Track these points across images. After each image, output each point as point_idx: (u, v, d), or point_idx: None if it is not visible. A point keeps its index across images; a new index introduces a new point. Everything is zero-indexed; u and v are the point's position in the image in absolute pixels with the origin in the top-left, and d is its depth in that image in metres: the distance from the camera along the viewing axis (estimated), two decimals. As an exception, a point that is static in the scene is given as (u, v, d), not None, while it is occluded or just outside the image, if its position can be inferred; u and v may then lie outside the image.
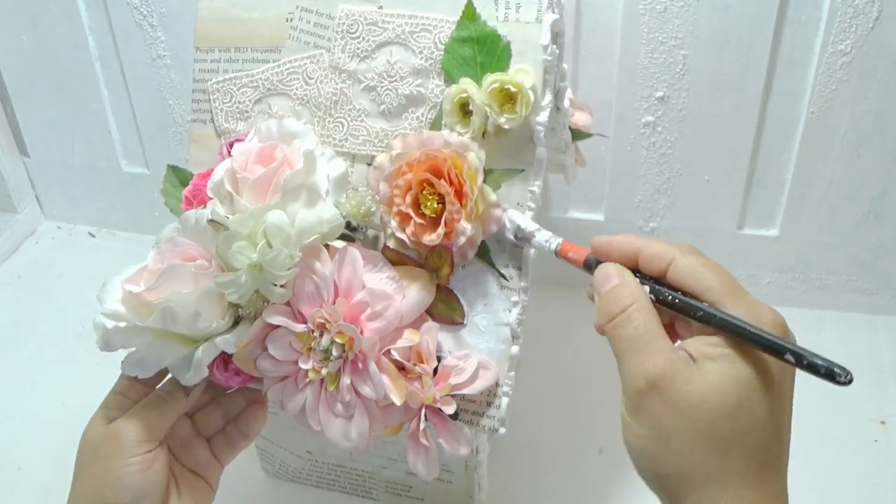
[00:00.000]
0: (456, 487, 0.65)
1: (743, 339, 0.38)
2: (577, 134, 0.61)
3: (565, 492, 0.71)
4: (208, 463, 0.54)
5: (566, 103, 0.56)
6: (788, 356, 0.37)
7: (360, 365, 0.48)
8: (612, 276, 0.42)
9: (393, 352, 0.49)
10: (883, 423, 0.75)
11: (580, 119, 0.64)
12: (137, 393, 0.52)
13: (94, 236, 1.06)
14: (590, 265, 0.45)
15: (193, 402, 0.52)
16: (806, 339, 0.89)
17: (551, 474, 0.73)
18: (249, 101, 0.57)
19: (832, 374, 0.36)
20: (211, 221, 0.49)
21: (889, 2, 0.69)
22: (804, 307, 0.87)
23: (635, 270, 0.43)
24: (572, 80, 0.78)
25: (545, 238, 0.49)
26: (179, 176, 0.58)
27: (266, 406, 0.55)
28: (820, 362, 0.36)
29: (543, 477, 0.73)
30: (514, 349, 0.51)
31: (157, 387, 0.52)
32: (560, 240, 0.48)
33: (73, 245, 1.05)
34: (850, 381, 0.36)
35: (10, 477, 0.75)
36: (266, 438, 0.69)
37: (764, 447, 0.38)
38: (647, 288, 0.41)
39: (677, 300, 0.40)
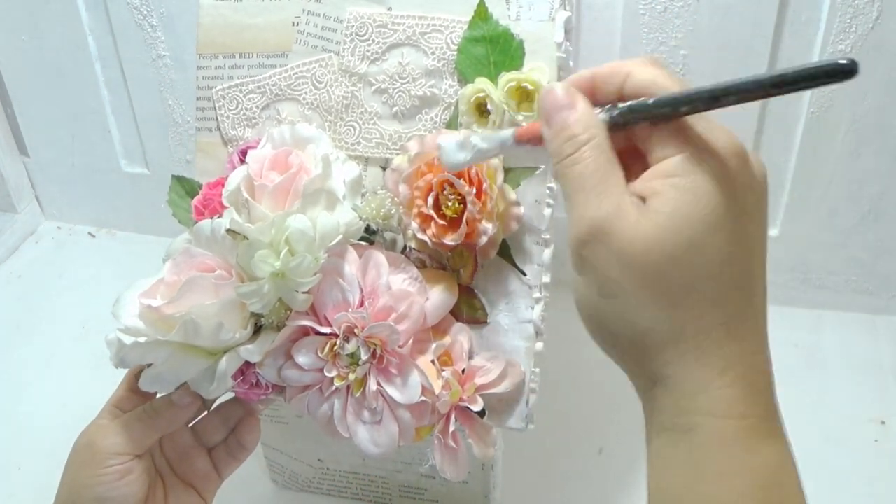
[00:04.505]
0: (472, 487, 0.65)
1: (719, 103, 0.33)
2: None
3: (565, 492, 0.71)
4: (207, 475, 0.53)
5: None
6: (779, 86, 0.31)
7: (393, 370, 0.48)
8: (563, 102, 0.35)
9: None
10: (883, 423, 0.75)
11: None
12: (133, 406, 0.51)
13: (94, 236, 1.06)
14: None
15: (182, 422, 0.52)
16: (806, 339, 0.89)
17: (551, 474, 0.73)
18: (257, 107, 0.57)
19: (836, 69, 0.29)
20: (229, 231, 0.49)
21: (889, 2, 0.69)
22: (804, 307, 0.87)
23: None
24: (572, 80, 0.79)
25: (501, 137, 0.40)
26: (186, 186, 0.58)
27: (258, 417, 0.55)
28: (819, 65, 0.29)
29: (542, 477, 0.73)
30: (539, 345, 0.52)
31: (149, 402, 0.51)
32: (510, 130, 0.40)
33: (73, 245, 1.04)
34: (855, 67, 0.28)
35: (10, 477, 0.75)
36: (275, 448, 0.68)
37: (729, 295, 0.32)
38: (602, 116, 0.35)
39: (633, 106, 0.34)
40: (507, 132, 0.40)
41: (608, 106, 0.35)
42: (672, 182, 0.32)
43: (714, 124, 0.34)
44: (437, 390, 0.48)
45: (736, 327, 0.32)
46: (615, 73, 0.36)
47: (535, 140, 0.39)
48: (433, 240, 0.50)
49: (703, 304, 0.32)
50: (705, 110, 0.33)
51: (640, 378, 0.35)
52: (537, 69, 0.50)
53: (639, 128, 0.35)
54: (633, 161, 0.35)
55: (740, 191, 0.33)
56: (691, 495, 0.33)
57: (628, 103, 0.34)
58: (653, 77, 0.35)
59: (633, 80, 0.35)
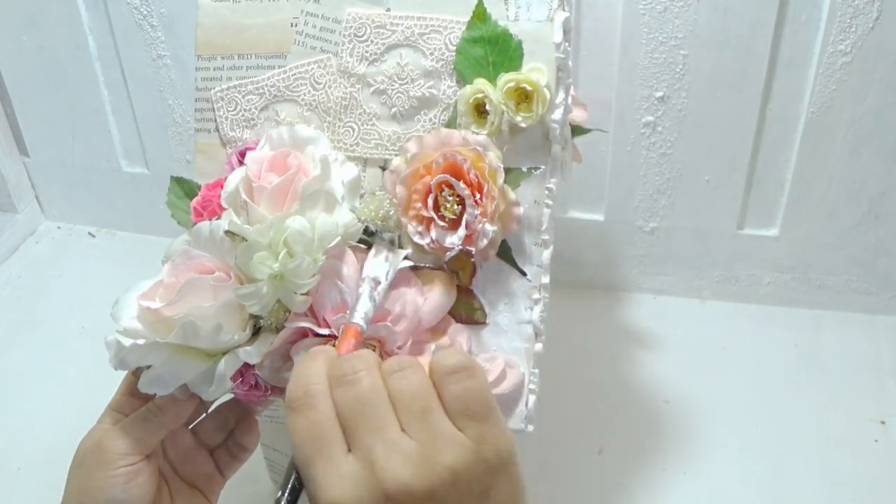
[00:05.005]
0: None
1: None
2: (577, 129, 0.61)
3: (565, 492, 0.71)
4: (211, 476, 0.53)
5: (569, 100, 0.57)
6: None
7: None
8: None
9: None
10: (883, 423, 0.75)
11: (577, 115, 0.64)
12: (132, 409, 0.51)
13: (94, 236, 1.06)
14: None
15: (186, 417, 0.52)
16: (806, 338, 0.89)
17: (551, 474, 0.73)
18: (255, 108, 0.56)
19: None
20: (228, 232, 0.49)
21: (889, 2, 0.68)
22: (804, 307, 0.87)
23: None
24: (572, 79, 0.79)
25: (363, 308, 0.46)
26: (185, 187, 0.57)
27: (256, 418, 0.55)
28: None
29: (543, 477, 0.73)
30: (538, 346, 0.51)
31: (152, 401, 0.51)
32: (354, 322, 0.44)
33: (73, 245, 1.05)
34: None
35: (10, 477, 0.75)
36: (275, 449, 0.68)
37: None
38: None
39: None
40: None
41: None
42: None
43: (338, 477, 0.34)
44: None
45: None
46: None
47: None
48: (432, 246, 0.50)
49: None
50: None
51: None
52: (536, 70, 0.50)
53: None
54: None
55: None
56: None
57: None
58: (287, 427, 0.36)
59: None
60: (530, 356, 0.52)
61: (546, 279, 0.52)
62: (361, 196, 0.53)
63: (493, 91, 0.50)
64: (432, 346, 0.50)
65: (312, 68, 0.55)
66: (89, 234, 1.06)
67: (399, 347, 0.48)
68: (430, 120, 0.53)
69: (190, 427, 0.54)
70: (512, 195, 0.51)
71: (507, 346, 0.52)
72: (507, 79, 0.50)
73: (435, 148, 0.50)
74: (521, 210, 0.51)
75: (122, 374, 0.53)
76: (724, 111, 0.77)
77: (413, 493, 0.33)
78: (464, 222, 0.48)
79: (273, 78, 0.56)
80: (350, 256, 0.50)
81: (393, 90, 0.54)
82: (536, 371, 0.52)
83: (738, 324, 0.86)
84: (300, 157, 0.52)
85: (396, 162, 0.52)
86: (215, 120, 0.58)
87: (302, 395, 0.36)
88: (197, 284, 0.48)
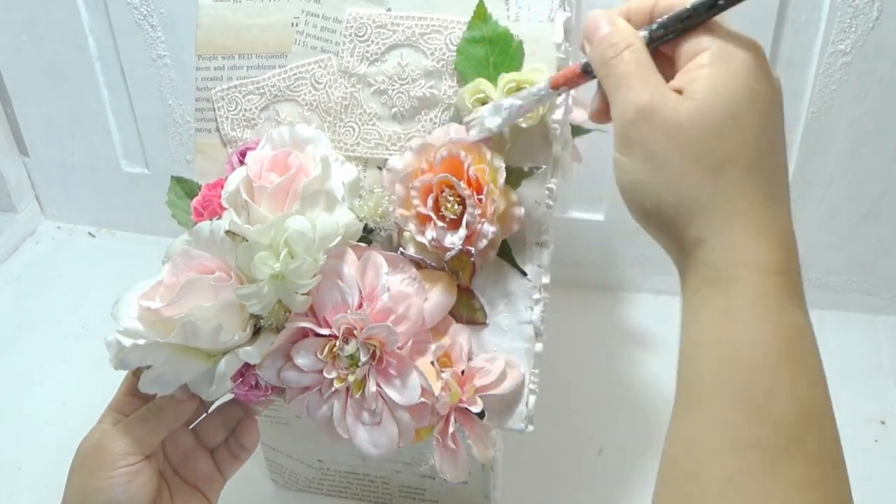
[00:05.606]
0: (472, 487, 0.65)
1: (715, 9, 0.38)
2: (578, 130, 0.61)
3: (565, 492, 0.71)
4: (210, 476, 0.53)
5: (569, 100, 0.57)
6: None
7: (392, 371, 0.48)
8: (602, 23, 0.40)
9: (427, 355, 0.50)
10: (883, 423, 0.75)
11: (577, 115, 0.64)
12: (133, 409, 0.52)
13: (94, 236, 1.06)
14: (588, 70, 0.43)
15: (186, 417, 0.52)
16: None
17: (551, 474, 0.73)
18: (256, 108, 0.56)
19: None
20: (228, 232, 0.49)
21: (889, 2, 0.69)
22: (804, 307, 0.87)
23: None
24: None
25: (536, 90, 0.47)
26: (185, 187, 0.57)
27: (255, 419, 0.55)
28: None
29: (542, 477, 0.73)
30: (538, 346, 0.52)
31: (152, 401, 0.51)
32: (544, 81, 0.46)
33: (73, 245, 1.05)
34: None
35: (10, 477, 0.75)
36: (275, 449, 0.69)
37: (764, 163, 0.37)
38: (641, 33, 0.40)
39: (665, 19, 0.39)
40: (541, 83, 0.46)
41: (644, 27, 0.40)
42: (708, 67, 0.37)
43: (734, 30, 0.39)
44: (437, 391, 0.49)
45: (770, 193, 0.36)
46: (645, 1, 0.41)
47: (571, 81, 0.44)
48: (432, 244, 0.50)
49: (741, 172, 0.36)
50: (725, 8, 0.39)
51: (678, 245, 0.38)
52: (536, 70, 0.50)
53: (670, 45, 0.40)
54: (667, 76, 0.39)
55: (768, 71, 0.38)
56: (725, 342, 0.35)
57: (661, 18, 0.39)
58: None
59: (662, 3, 0.40)
60: (530, 356, 0.52)
61: (546, 279, 0.52)
62: (360, 195, 0.53)
63: (494, 91, 0.50)
64: (433, 347, 0.50)
65: (313, 68, 0.55)
66: (89, 234, 1.06)
67: (399, 348, 0.48)
68: (431, 120, 0.53)
69: (190, 427, 0.54)
70: (513, 195, 0.51)
71: (507, 346, 0.52)
72: (507, 79, 0.49)
73: (439, 139, 0.50)
74: (521, 210, 0.51)
75: (122, 374, 0.53)
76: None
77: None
78: (464, 222, 0.48)
79: (273, 78, 0.56)
80: (350, 256, 0.50)
81: (393, 90, 0.54)
82: (536, 371, 0.52)
83: (738, 324, 0.86)
84: (301, 157, 0.52)
85: (393, 161, 0.52)
86: (215, 120, 0.58)
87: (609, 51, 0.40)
88: (197, 284, 0.48)
